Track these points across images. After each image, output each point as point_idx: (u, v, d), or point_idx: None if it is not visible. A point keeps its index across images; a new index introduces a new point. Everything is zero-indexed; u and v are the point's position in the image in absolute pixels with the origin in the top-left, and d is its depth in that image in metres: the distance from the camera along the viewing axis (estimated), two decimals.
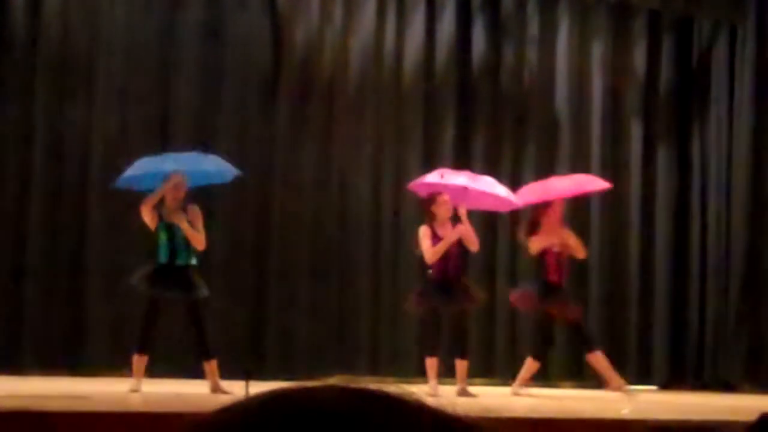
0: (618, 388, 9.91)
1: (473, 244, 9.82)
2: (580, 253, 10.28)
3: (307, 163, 11.40)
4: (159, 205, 8.93)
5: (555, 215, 10.08)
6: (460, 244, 9.74)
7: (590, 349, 10.16)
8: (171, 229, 8.86)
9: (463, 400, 8.91)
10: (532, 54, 12.79)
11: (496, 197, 10.19)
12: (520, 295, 10.47)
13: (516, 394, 10.04)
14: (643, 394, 10.40)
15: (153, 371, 10.88)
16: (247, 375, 8.54)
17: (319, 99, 11.86)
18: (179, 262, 8.88)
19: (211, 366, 8.76)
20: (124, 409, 6.86)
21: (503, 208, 10.70)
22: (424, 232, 9.68)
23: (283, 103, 11.75)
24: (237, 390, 8.32)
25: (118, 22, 11.18)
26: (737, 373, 12.23)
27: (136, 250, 11.08)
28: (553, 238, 10.05)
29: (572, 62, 12.86)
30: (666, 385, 12.16)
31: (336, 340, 11.65)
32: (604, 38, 13.02)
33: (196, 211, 8.99)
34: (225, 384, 8.61)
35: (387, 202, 12.05)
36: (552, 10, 12.83)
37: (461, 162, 12.17)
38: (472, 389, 9.64)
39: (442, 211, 9.67)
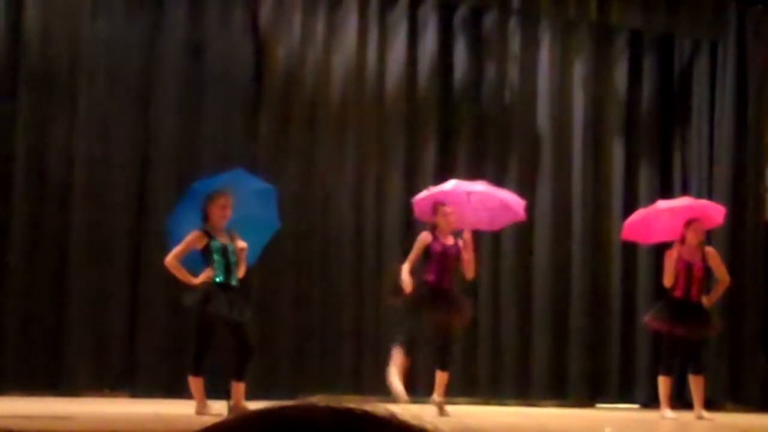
0: None
1: (470, 272, 9.75)
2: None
3: (289, 181, 11.38)
4: (205, 225, 8.67)
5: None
6: (457, 259, 9.66)
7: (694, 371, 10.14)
8: (224, 249, 8.62)
9: (444, 418, 8.89)
10: (513, 72, 12.83)
11: (505, 206, 10.11)
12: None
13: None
14: (624, 413, 10.40)
15: (135, 391, 10.86)
16: (228, 394, 8.54)
17: (301, 117, 11.85)
18: (233, 282, 8.67)
19: (240, 387, 8.54)
20: (106, 429, 6.83)
21: (517, 217, 10.45)
22: (422, 237, 9.59)
23: (266, 121, 11.74)
24: (221, 409, 8.33)
25: (100, 41, 11.14)
26: (720, 391, 12.24)
27: (118, 270, 11.08)
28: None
29: (554, 80, 12.90)
30: (648, 404, 12.16)
31: (318, 358, 11.61)
32: (586, 56, 13.07)
33: (243, 242, 8.75)
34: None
35: (369, 219, 12.04)
36: (533, 28, 12.88)
37: (443, 180, 12.18)
38: (451, 408, 9.59)
39: (444, 221, 9.59)
